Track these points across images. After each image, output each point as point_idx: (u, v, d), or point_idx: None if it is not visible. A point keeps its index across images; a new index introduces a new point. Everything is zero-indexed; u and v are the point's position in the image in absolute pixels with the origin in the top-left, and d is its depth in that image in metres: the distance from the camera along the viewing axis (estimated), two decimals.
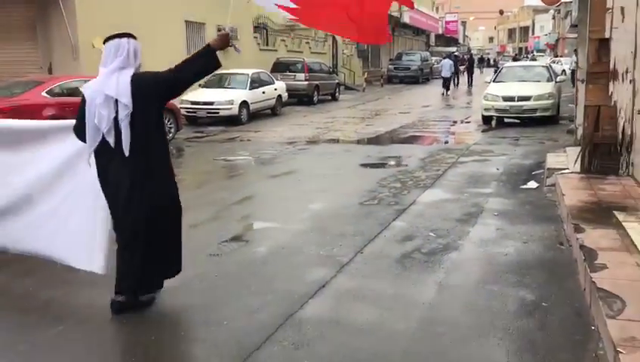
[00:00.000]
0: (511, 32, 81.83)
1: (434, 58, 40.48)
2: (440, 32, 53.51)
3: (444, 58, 30.97)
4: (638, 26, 6.51)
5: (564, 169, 7.34)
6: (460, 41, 62.53)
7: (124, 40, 3.68)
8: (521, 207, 6.45)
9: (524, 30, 75.95)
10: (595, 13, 6.80)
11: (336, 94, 23.98)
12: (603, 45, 6.82)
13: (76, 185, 3.91)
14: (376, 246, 5.19)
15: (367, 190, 7.39)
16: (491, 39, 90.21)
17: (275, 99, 17.75)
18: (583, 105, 7.49)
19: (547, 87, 14.23)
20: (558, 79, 15.29)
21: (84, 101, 3.62)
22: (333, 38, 31.23)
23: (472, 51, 57.53)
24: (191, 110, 15.17)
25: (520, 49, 73.74)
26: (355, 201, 6.82)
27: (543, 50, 56.46)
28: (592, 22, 6.86)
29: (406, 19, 38.66)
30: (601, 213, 5.33)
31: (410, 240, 5.33)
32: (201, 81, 15.42)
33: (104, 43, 3.70)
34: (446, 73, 26.08)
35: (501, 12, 79.31)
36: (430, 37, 51.22)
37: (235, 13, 18.57)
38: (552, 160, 8.18)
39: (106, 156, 3.60)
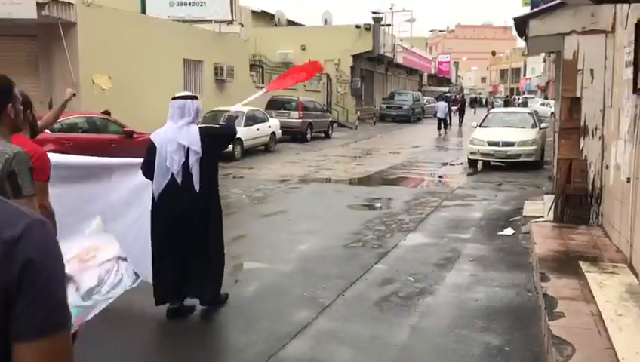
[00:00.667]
0: (503, 73, 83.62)
1: (426, 98, 41.35)
2: (433, 72, 54.71)
3: (439, 100, 31.94)
4: (606, 86, 7.03)
5: (540, 217, 7.76)
6: (453, 80, 63.82)
7: (189, 101, 4.61)
8: (496, 254, 6.83)
9: (516, 71, 77.66)
10: (567, 74, 7.31)
11: (330, 132, 24.54)
12: (574, 103, 7.31)
13: (141, 213, 4.65)
14: (357, 289, 5.54)
15: (353, 232, 7.77)
16: (484, 79, 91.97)
17: (268, 137, 18.24)
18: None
19: (531, 134, 14.80)
20: (542, 125, 15.87)
21: (154, 147, 4.52)
22: (328, 76, 32.02)
23: (464, 91, 58.75)
24: None
25: (512, 90, 75.26)
26: (341, 243, 7.19)
27: (534, 92, 57.69)
28: (565, 81, 7.37)
29: (399, 59, 39.61)
30: (567, 263, 5.72)
31: (389, 284, 5.69)
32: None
33: (172, 99, 4.62)
34: (441, 114, 27.24)
35: (493, 53, 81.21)
36: (423, 76, 52.37)
37: (232, 52, 19.32)
38: (529, 207, 8.62)
39: (170, 190, 4.47)
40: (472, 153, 14.77)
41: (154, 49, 16.90)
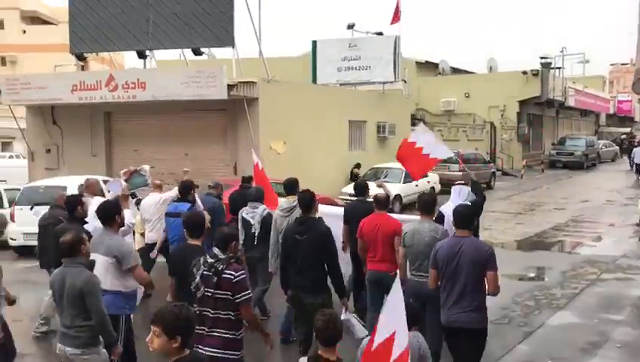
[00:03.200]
0: None
1: (602, 142, 38.70)
2: (611, 111, 50.95)
3: (636, 146, 30.25)
4: None
5: None
6: (637, 119, 58.60)
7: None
8: None
9: None
10: None
11: (492, 183, 24.37)
12: None
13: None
14: None
15: (501, 306, 8.10)
16: None
17: None
18: None
19: None
20: None
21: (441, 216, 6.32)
22: (492, 124, 31.75)
23: None
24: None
25: None
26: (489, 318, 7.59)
27: None
28: None
29: (571, 102, 37.79)
30: None
31: None
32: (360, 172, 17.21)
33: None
34: (638, 160, 26.80)
35: None
36: (600, 116, 49.01)
37: (394, 108, 20.73)
38: None
39: None
40: None
41: (322, 114, 18.57)
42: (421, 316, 4.62)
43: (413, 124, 25.50)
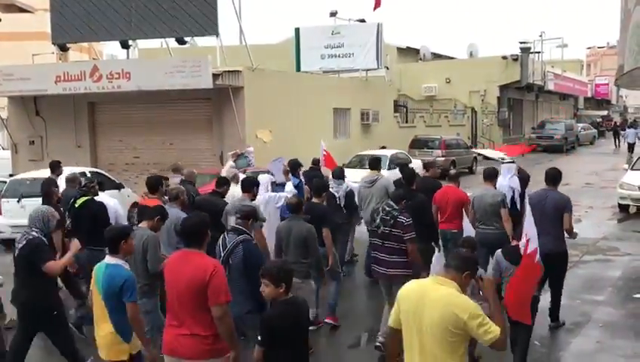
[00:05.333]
0: None
1: (580, 125, 39.31)
2: (589, 94, 51.73)
3: (629, 127, 30.98)
4: None
5: None
6: (613, 101, 59.58)
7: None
8: (626, 320, 7.08)
9: None
10: None
11: (474, 167, 24.74)
12: None
13: None
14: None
15: None
16: None
17: None
18: None
19: None
20: None
21: None
22: (473, 109, 32.13)
23: (628, 112, 54.75)
24: None
25: None
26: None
27: None
28: None
29: (550, 86, 38.35)
30: None
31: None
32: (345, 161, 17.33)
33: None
34: (631, 139, 27.19)
35: None
36: (578, 100, 49.76)
37: (378, 95, 20.99)
38: None
39: None
40: (621, 198, 14.34)
41: (307, 102, 18.68)
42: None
43: (396, 111, 25.76)
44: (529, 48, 34.41)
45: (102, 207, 7.18)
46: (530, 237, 4.78)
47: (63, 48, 18.23)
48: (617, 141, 34.37)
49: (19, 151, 18.05)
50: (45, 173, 12.91)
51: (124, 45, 17.28)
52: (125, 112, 17.40)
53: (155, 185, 7.06)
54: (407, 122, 26.23)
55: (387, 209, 6.01)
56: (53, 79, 15.47)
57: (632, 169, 15.36)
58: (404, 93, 30.39)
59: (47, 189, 7.47)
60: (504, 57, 32.93)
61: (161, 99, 16.15)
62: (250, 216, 5.19)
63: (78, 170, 12.54)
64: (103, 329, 4.32)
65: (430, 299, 3.31)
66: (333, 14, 23.80)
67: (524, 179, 8.37)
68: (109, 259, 4.34)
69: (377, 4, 23.19)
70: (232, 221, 5.91)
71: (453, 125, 29.48)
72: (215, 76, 14.69)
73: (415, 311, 3.34)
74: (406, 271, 5.85)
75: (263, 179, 8.47)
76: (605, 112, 53.59)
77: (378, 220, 6.00)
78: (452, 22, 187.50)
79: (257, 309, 4.57)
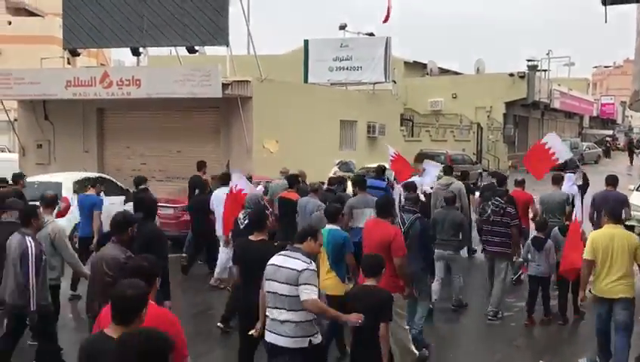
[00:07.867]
0: None
1: (585, 144, 39.33)
2: (595, 113, 51.82)
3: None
4: None
5: None
6: (619, 121, 59.65)
7: None
8: None
9: None
10: None
11: (479, 183, 24.73)
12: None
13: None
14: None
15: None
16: None
17: None
18: None
19: None
20: None
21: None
22: (479, 125, 32.17)
23: (633, 132, 54.78)
24: None
25: None
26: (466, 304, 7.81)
27: None
28: None
29: (556, 104, 38.42)
30: None
31: None
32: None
33: None
34: None
35: None
36: (584, 119, 49.82)
37: (384, 108, 20.99)
38: None
39: None
40: (627, 220, 14.28)
41: (315, 113, 18.72)
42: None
43: (402, 125, 25.83)
44: (536, 66, 34.52)
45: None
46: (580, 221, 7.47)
47: (74, 53, 18.36)
48: (632, 159, 35.08)
49: (26, 154, 18.14)
50: (52, 176, 13.05)
51: (135, 52, 17.39)
52: (133, 119, 17.48)
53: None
54: (412, 136, 26.27)
55: (496, 203, 7.89)
56: (64, 84, 15.56)
57: (637, 190, 15.28)
58: (411, 107, 30.45)
59: None
60: (511, 74, 33.00)
61: (169, 107, 16.22)
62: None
63: (84, 175, 12.65)
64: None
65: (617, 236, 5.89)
66: (342, 27, 23.96)
67: (586, 184, 10.99)
68: None
69: (387, 17, 23.37)
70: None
71: (458, 140, 29.52)
72: (224, 86, 14.75)
73: (608, 243, 5.83)
74: (508, 249, 7.82)
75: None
76: (610, 132, 53.62)
77: (489, 211, 7.89)
78: (460, 38, 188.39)
79: (428, 268, 6.67)
